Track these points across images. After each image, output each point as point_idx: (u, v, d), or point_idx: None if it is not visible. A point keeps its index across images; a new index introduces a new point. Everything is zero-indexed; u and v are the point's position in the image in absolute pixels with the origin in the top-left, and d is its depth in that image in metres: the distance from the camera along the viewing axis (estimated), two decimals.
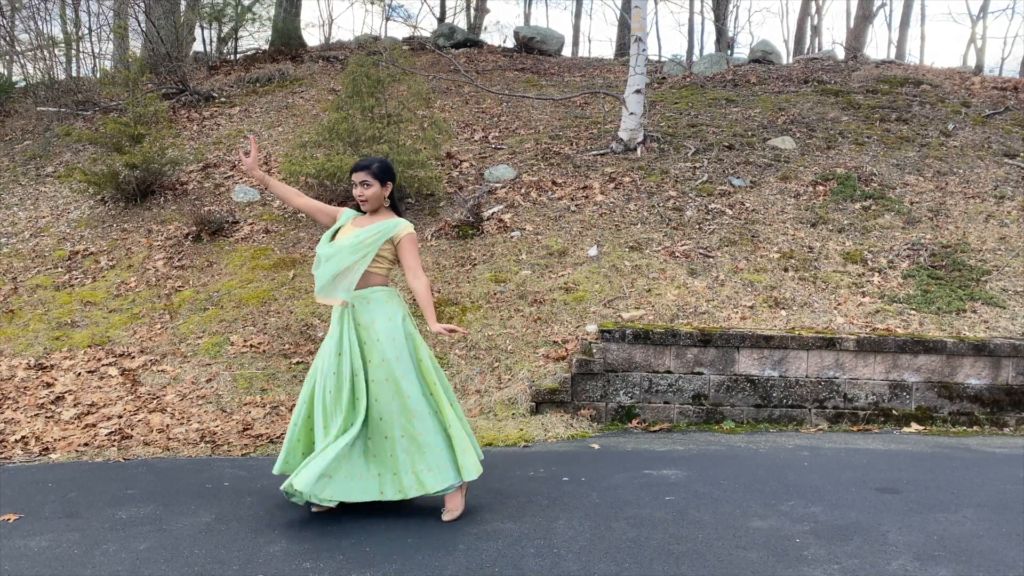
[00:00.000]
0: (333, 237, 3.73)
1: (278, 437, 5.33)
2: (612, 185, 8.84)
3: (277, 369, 6.31)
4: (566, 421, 5.63)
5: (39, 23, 15.16)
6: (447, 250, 7.79)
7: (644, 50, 9.61)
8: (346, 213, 3.82)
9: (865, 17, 17.66)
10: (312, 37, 44.12)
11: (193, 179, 9.90)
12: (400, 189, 8.41)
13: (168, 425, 5.53)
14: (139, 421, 5.60)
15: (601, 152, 9.69)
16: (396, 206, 3.78)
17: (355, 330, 3.62)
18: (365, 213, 3.76)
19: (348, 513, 3.71)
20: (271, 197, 9.31)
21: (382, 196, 3.67)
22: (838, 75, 12.66)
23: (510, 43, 17.19)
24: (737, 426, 5.78)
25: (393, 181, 3.71)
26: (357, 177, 3.64)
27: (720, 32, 20.25)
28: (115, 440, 5.28)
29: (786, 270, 7.29)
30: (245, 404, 5.86)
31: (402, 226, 3.64)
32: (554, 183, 8.94)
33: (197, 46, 16.12)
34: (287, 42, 15.71)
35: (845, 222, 8.14)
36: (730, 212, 8.30)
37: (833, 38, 39.10)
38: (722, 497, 4.00)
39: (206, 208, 8.84)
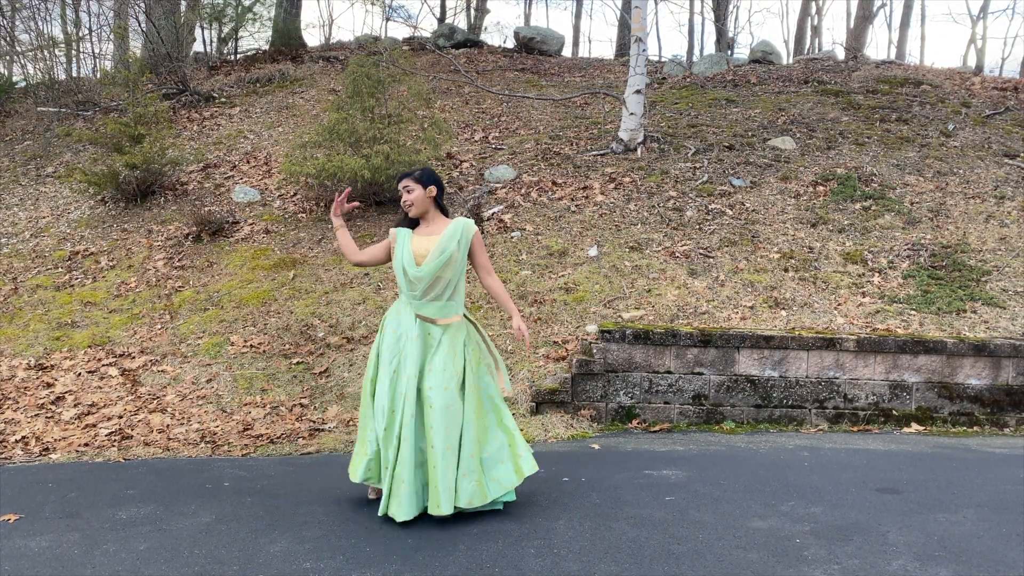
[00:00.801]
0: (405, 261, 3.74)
1: (278, 437, 5.33)
2: (612, 185, 8.85)
3: (277, 369, 6.31)
4: (566, 421, 5.63)
5: (39, 23, 15.18)
6: None
7: (644, 50, 9.61)
8: (400, 233, 3.79)
9: (865, 17, 17.66)
10: (312, 37, 44.16)
11: (193, 179, 9.91)
12: None
13: (168, 425, 5.53)
14: (139, 421, 5.60)
15: (601, 152, 9.69)
16: (446, 211, 3.85)
17: (424, 339, 3.65)
18: (416, 225, 3.79)
19: (348, 513, 3.71)
20: (271, 198, 9.31)
21: (425, 199, 3.74)
22: (838, 75, 12.66)
23: (510, 43, 17.20)
24: (737, 426, 5.78)
25: (436, 184, 3.78)
26: (402, 184, 3.75)
27: (720, 32, 20.26)
28: (115, 440, 5.28)
29: (786, 270, 7.29)
30: (245, 404, 5.86)
31: (470, 224, 3.75)
32: (554, 183, 8.94)
33: (197, 46, 16.14)
34: (287, 42, 15.72)
35: (845, 222, 8.14)
36: (730, 212, 8.30)
37: (833, 38, 39.12)
38: (722, 497, 4.00)
39: (206, 208, 8.84)
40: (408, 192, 3.72)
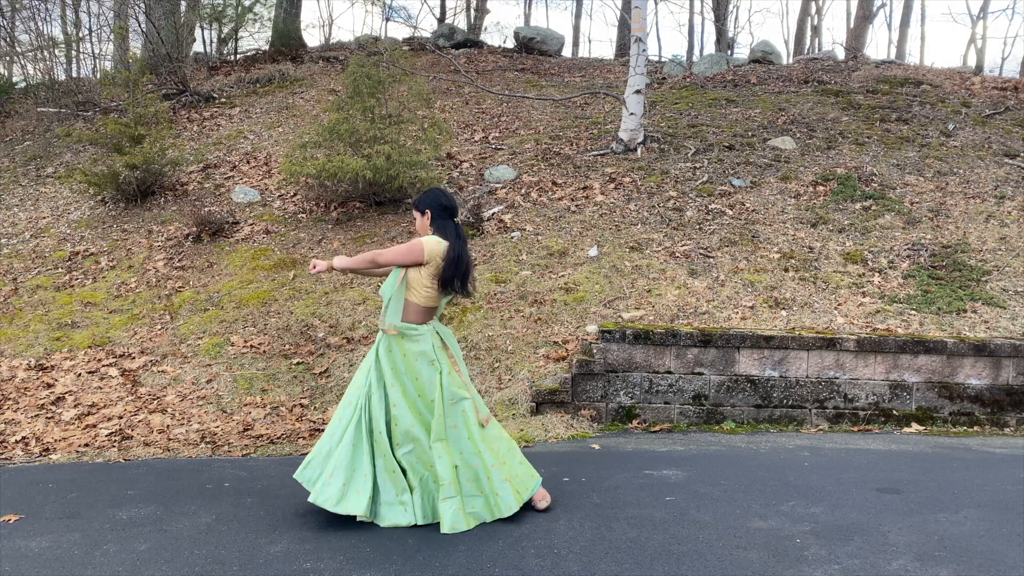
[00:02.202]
0: None
1: (278, 438, 5.33)
2: (612, 185, 8.85)
3: (277, 370, 6.31)
4: (566, 421, 5.62)
5: (39, 24, 15.18)
6: None
7: (644, 50, 9.61)
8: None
9: (865, 17, 17.66)
10: (312, 38, 44.17)
11: (193, 180, 9.91)
12: (401, 190, 8.42)
13: (168, 426, 5.53)
14: (139, 422, 5.60)
15: (601, 152, 9.69)
16: (444, 227, 3.72)
17: (387, 358, 3.64)
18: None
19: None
20: (271, 198, 9.32)
21: (425, 225, 3.77)
22: (838, 75, 12.66)
23: (510, 43, 17.20)
24: (737, 426, 5.78)
25: (430, 207, 3.74)
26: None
27: (720, 32, 20.27)
28: (115, 441, 5.28)
29: (786, 270, 7.29)
30: (245, 405, 5.86)
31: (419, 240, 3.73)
32: (554, 183, 8.94)
33: (197, 47, 16.14)
34: (287, 43, 15.73)
35: (845, 222, 8.14)
36: (730, 212, 8.30)
37: (833, 38, 39.12)
38: (722, 497, 4.00)
39: (206, 209, 8.84)
40: (414, 223, 3.86)
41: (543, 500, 3.76)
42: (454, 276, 3.65)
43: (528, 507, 3.72)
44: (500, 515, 3.59)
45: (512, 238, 7.88)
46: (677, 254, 7.51)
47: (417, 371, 3.60)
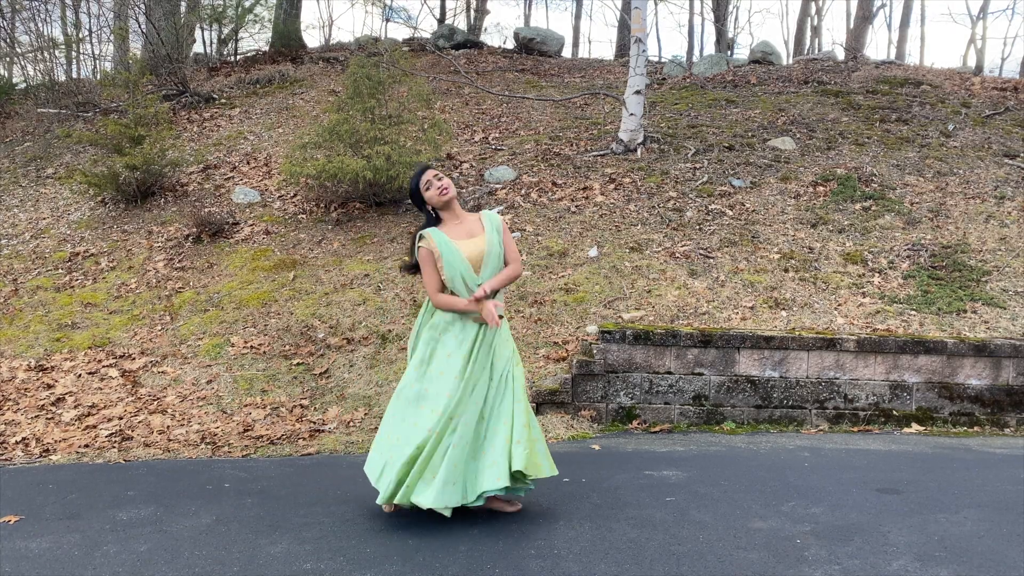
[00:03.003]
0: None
1: (279, 438, 5.33)
2: (612, 186, 8.85)
3: (278, 370, 6.31)
4: (566, 422, 5.63)
5: (39, 25, 15.19)
6: None
7: (644, 51, 9.61)
8: (437, 237, 3.62)
9: (865, 18, 17.66)
10: (312, 38, 44.13)
11: (193, 180, 9.91)
12: (401, 191, 8.42)
13: (169, 426, 5.53)
14: (140, 422, 5.60)
15: (601, 153, 9.69)
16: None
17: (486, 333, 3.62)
18: (436, 222, 3.71)
19: (349, 514, 3.71)
20: (271, 199, 9.32)
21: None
22: (838, 76, 12.66)
23: (510, 44, 17.22)
24: (737, 427, 5.78)
25: None
26: (431, 174, 3.68)
27: (720, 33, 20.29)
28: (116, 441, 5.28)
29: (786, 271, 7.30)
30: (246, 405, 5.86)
31: (497, 216, 3.81)
32: (554, 184, 8.94)
33: (197, 47, 16.15)
34: (287, 43, 15.74)
35: (845, 223, 8.14)
36: (730, 213, 8.30)
37: (833, 39, 39.11)
38: (722, 498, 4.00)
39: (206, 209, 8.84)
40: (439, 179, 3.67)
41: (512, 505, 3.74)
42: None
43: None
44: (536, 472, 3.55)
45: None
46: (677, 254, 7.51)
47: (503, 335, 3.66)
